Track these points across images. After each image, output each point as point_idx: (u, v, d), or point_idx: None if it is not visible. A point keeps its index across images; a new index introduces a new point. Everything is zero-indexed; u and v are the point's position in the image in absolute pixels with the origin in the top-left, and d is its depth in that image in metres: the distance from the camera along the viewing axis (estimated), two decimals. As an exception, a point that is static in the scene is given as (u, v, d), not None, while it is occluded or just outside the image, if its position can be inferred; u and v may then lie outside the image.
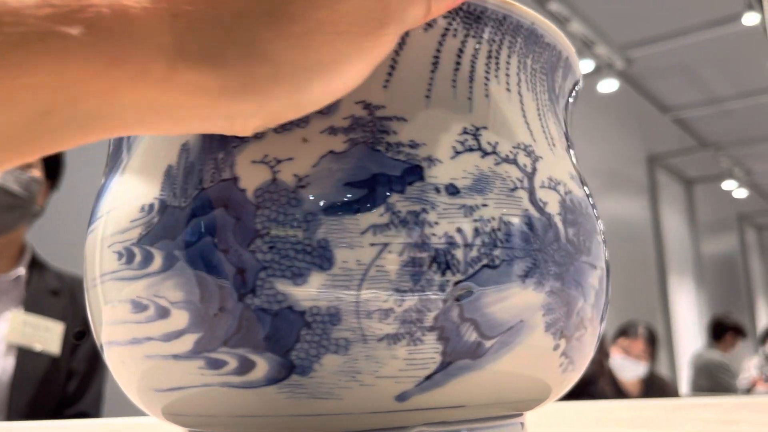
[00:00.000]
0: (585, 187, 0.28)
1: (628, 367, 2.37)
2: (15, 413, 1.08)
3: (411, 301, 0.21)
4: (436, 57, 0.24)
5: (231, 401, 0.23)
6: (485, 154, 0.23)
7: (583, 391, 2.08)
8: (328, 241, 0.21)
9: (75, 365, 1.18)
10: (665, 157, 4.99)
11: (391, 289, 0.21)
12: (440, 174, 0.22)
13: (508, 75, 0.25)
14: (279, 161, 0.22)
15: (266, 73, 0.18)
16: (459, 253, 0.22)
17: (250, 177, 0.22)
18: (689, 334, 5.09)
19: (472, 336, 0.22)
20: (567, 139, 0.28)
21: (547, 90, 0.27)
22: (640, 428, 0.42)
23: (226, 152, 0.22)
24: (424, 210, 0.22)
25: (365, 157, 0.22)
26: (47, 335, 1.14)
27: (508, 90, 0.25)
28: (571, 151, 0.28)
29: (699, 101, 4.52)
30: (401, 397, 0.22)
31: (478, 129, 0.23)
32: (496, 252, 0.22)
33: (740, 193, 5.90)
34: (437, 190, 0.22)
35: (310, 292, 0.21)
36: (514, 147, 0.24)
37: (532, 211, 0.23)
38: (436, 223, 0.22)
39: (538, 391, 0.25)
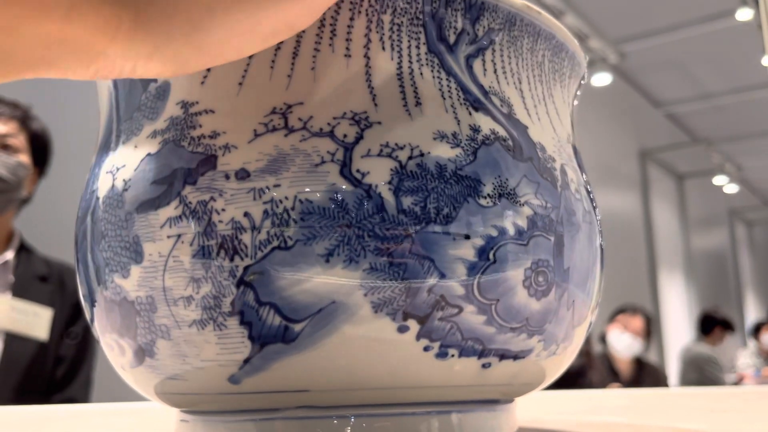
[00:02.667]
0: (483, 148, 0.24)
1: (624, 341, 2.44)
2: (2, 398, 1.07)
3: (206, 287, 0.22)
4: (255, 41, 0.23)
5: (134, 381, 0.26)
6: (291, 131, 0.22)
7: (571, 382, 2.09)
8: (138, 236, 0.23)
9: (63, 351, 1.16)
10: (657, 151, 5.09)
11: (187, 278, 0.22)
12: (233, 160, 0.22)
13: (349, 40, 0.23)
14: (118, 169, 0.25)
15: (158, 9, 0.18)
16: (246, 238, 0.22)
17: (102, 186, 0.25)
18: (679, 328, 5.16)
19: (275, 320, 0.22)
20: (467, 90, 0.24)
21: (427, 42, 0.24)
22: (632, 415, 0.35)
23: (98, 166, 0.26)
24: (212, 198, 0.22)
25: (170, 155, 0.23)
26: (35, 321, 1.12)
27: (347, 56, 0.23)
28: (484, 104, 0.25)
29: (691, 96, 4.55)
30: (233, 380, 0.23)
31: (290, 106, 0.23)
32: (289, 232, 0.21)
33: (731, 188, 6.04)
34: (227, 177, 0.22)
35: (133, 283, 0.23)
36: (335, 117, 0.22)
37: (342, 185, 0.22)
38: (224, 209, 0.22)
39: (406, 378, 0.23)
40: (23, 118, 1.17)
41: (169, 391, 0.25)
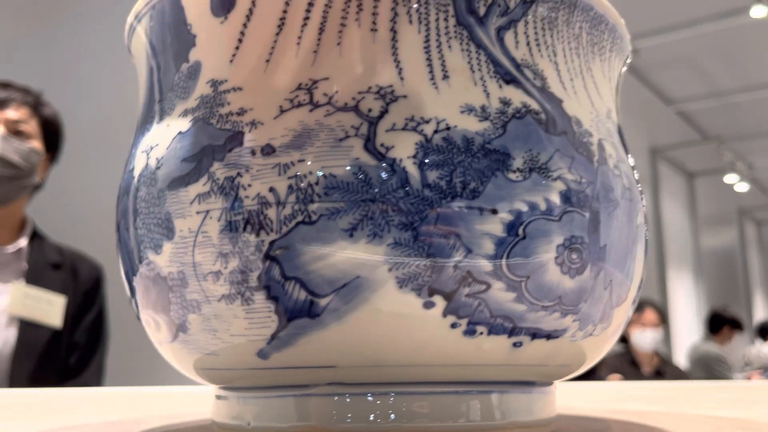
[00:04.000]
0: (513, 122, 0.23)
1: (648, 337, 2.56)
2: (16, 385, 1.07)
3: (234, 262, 0.22)
4: (282, 18, 0.23)
5: (173, 357, 0.27)
6: (316, 107, 0.22)
7: (583, 379, 1.99)
8: (170, 213, 0.23)
9: (77, 338, 1.16)
10: (667, 149, 5.10)
11: (216, 253, 0.22)
12: (259, 136, 0.22)
13: (375, 14, 0.23)
14: (152, 148, 0.25)
15: None
16: (271, 213, 0.22)
17: (138, 165, 0.26)
18: (687, 326, 5.19)
19: (300, 294, 0.22)
20: (498, 63, 0.24)
21: (455, 14, 0.24)
22: (664, 405, 0.34)
23: (135, 146, 0.27)
24: (239, 174, 0.22)
25: (199, 132, 0.23)
26: (49, 308, 1.12)
27: (374, 30, 0.23)
28: (516, 77, 0.24)
29: (703, 94, 4.51)
30: (261, 355, 0.23)
31: (316, 82, 0.23)
32: (313, 207, 0.21)
33: (741, 187, 5.99)
34: (253, 153, 0.22)
35: (165, 259, 0.24)
36: (360, 92, 0.22)
37: (365, 159, 0.21)
38: (250, 185, 0.22)
39: (434, 355, 0.22)
40: (35, 103, 1.15)
41: (204, 366, 0.25)
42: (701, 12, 3.54)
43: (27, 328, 1.11)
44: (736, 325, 3.83)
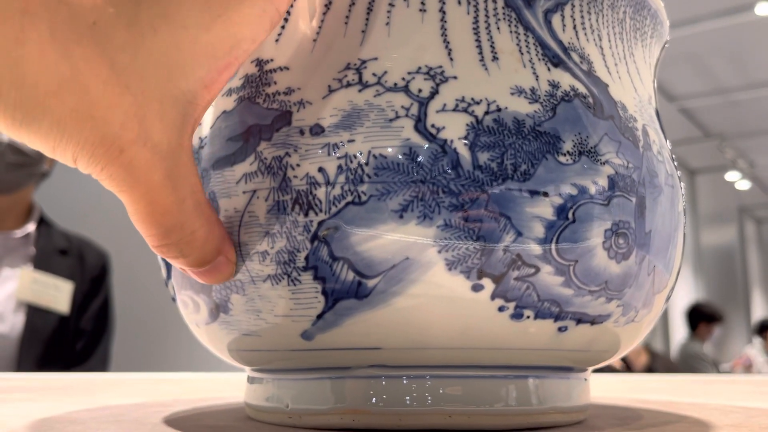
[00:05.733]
0: (562, 105, 0.23)
1: None
2: (24, 370, 1.08)
3: (281, 242, 0.22)
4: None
5: (207, 338, 0.27)
6: (365, 87, 0.22)
7: None
8: (215, 192, 0.23)
9: (83, 324, 1.17)
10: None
11: (262, 233, 0.22)
12: (308, 116, 0.22)
13: (424, -6, 0.23)
14: (199, 127, 0.25)
15: None
16: (321, 193, 0.21)
17: (179, 145, 0.25)
18: (685, 324, 5.17)
19: (348, 275, 0.22)
20: (546, 46, 0.24)
21: (504, -4, 0.23)
22: (681, 396, 0.35)
23: (175, 127, 0.26)
24: (287, 154, 0.22)
25: (245, 111, 0.23)
26: (56, 294, 1.12)
27: (423, 10, 0.23)
28: (564, 60, 0.24)
29: (706, 91, 4.52)
30: (306, 336, 0.23)
31: (365, 62, 0.22)
32: (363, 188, 0.21)
33: (742, 185, 6.04)
34: (301, 133, 0.22)
35: (208, 239, 0.24)
36: (410, 72, 0.22)
37: (416, 140, 0.21)
38: (298, 165, 0.22)
39: (480, 339, 0.22)
40: None
41: (243, 348, 0.25)
42: (705, 9, 3.50)
43: (35, 313, 1.12)
44: (711, 319, 3.80)
